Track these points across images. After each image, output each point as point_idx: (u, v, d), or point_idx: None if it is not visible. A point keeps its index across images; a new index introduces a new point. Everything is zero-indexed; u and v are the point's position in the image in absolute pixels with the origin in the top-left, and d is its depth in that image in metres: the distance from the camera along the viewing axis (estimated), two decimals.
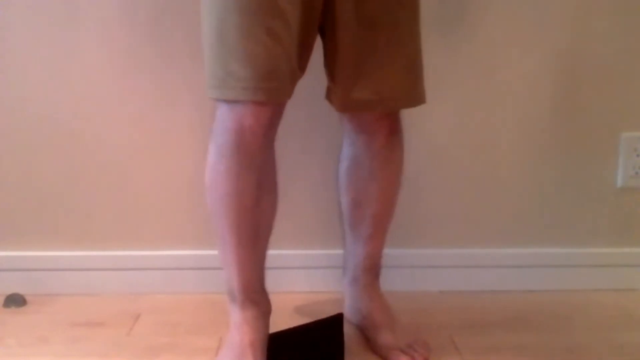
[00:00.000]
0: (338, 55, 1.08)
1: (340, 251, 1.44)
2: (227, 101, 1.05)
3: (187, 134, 1.48)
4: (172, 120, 1.49)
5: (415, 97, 1.14)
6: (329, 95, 1.15)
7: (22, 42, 1.45)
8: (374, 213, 1.25)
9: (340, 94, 1.10)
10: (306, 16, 1.03)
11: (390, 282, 1.46)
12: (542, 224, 1.56)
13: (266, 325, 1.18)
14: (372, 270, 1.31)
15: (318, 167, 1.51)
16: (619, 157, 1.53)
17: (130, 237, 1.54)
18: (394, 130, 1.19)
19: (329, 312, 1.25)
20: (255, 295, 1.17)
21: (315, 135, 1.50)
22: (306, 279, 1.54)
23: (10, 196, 1.52)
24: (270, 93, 1.02)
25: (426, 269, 1.56)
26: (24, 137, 1.49)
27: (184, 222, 1.52)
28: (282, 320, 1.24)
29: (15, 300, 1.48)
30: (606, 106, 1.51)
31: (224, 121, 1.07)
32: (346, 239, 1.33)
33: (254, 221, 1.12)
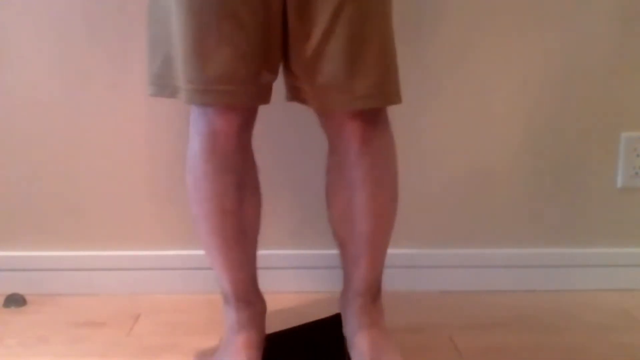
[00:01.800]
0: (296, 50, 1.01)
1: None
2: (198, 105, 1.03)
3: (187, 133, 1.48)
4: (173, 120, 1.49)
5: (389, 94, 1.03)
6: (295, 95, 1.06)
7: (19, 42, 1.45)
8: (363, 230, 1.10)
9: (311, 93, 1.03)
10: (266, 16, 0.99)
11: (391, 282, 1.46)
12: (542, 224, 1.56)
13: (261, 325, 1.18)
14: (366, 294, 1.16)
15: (316, 166, 1.51)
16: (619, 157, 1.53)
17: (130, 237, 1.54)
18: (371, 134, 1.05)
19: (327, 312, 1.25)
20: (247, 295, 1.16)
21: (310, 134, 1.49)
22: (305, 279, 1.54)
23: (10, 196, 1.52)
24: (221, 96, 0.99)
25: (426, 269, 1.56)
26: (24, 138, 1.49)
27: (184, 222, 1.52)
28: (280, 320, 1.25)
29: (15, 300, 1.48)
30: (606, 106, 1.51)
31: (197, 125, 1.06)
32: (339, 257, 1.21)
33: (238, 223, 1.10)
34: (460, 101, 1.50)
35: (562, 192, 1.55)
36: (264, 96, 1.04)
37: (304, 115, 1.42)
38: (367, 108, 1.03)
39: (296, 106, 1.09)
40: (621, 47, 1.49)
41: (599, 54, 1.49)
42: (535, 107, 1.51)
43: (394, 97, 1.03)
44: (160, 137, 1.50)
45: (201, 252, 1.51)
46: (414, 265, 1.55)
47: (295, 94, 1.06)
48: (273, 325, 1.21)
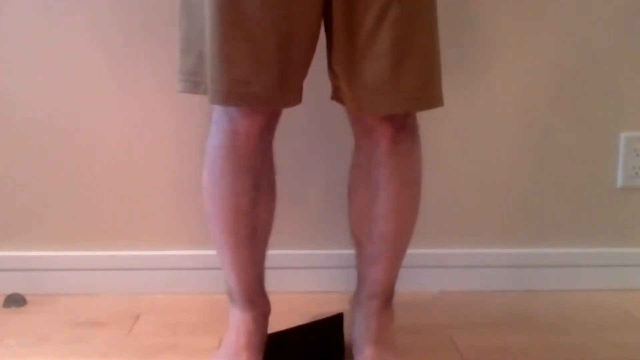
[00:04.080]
0: (338, 50, 1.00)
1: (341, 251, 1.44)
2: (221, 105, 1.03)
3: (188, 133, 1.48)
4: (172, 120, 1.49)
5: (432, 97, 1.02)
6: (337, 95, 1.06)
7: (19, 42, 1.45)
8: (382, 231, 1.10)
9: (349, 94, 1.02)
10: (302, 20, 0.97)
11: None
12: (542, 224, 1.56)
13: (264, 326, 1.18)
14: (379, 297, 1.16)
15: (321, 167, 1.51)
16: (619, 157, 1.53)
17: (130, 237, 1.54)
18: (401, 135, 1.05)
19: (329, 312, 1.25)
20: (254, 296, 1.16)
21: (319, 135, 1.50)
22: (307, 279, 1.54)
23: (11, 196, 1.52)
24: (244, 99, 0.98)
25: (426, 269, 1.56)
26: (24, 138, 1.49)
27: (184, 222, 1.52)
28: (282, 320, 1.24)
29: (15, 300, 1.48)
30: (606, 106, 1.51)
31: (219, 123, 1.06)
32: (355, 257, 1.20)
33: (250, 223, 1.10)
34: (460, 100, 1.50)
35: (562, 192, 1.55)
36: (291, 99, 1.03)
37: (321, 117, 1.43)
38: (411, 111, 1.04)
39: (311, 109, 1.09)
40: (621, 47, 1.49)
41: (599, 54, 1.49)
42: (535, 107, 1.51)
43: (436, 100, 1.03)
44: (160, 139, 1.50)
45: (201, 252, 1.52)
46: (414, 265, 1.55)
47: (336, 93, 1.06)
48: (274, 325, 1.20)
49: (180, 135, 1.49)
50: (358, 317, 1.18)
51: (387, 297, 1.18)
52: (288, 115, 1.12)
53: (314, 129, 1.49)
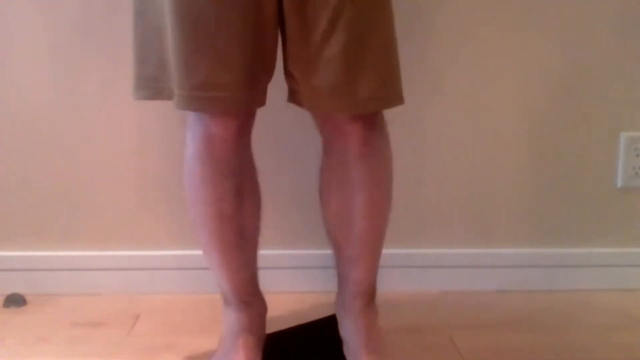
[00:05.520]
0: (293, 52, 0.99)
1: None
2: (188, 110, 1.02)
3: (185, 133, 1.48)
4: (172, 120, 1.49)
5: (391, 96, 1.01)
6: (294, 98, 1.04)
7: (19, 41, 1.45)
8: (359, 231, 1.09)
9: (306, 95, 1.01)
10: (258, 22, 0.96)
11: (391, 282, 1.46)
12: (542, 224, 1.56)
13: (262, 326, 1.17)
14: (362, 296, 1.14)
15: (313, 166, 1.50)
16: (619, 157, 1.53)
17: (130, 237, 1.54)
18: (371, 134, 1.03)
19: (324, 312, 1.25)
20: (248, 297, 1.15)
21: (312, 134, 1.50)
22: (303, 279, 1.54)
23: (10, 196, 1.52)
24: (208, 103, 0.97)
25: (426, 269, 1.56)
26: (24, 138, 1.49)
27: (184, 222, 1.52)
28: (278, 320, 1.25)
29: (15, 300, 1.49)
30: (606, 106, 1.51)
31: (194, 130, 1.04)
32: (334, 259, 1.18)
33: (236, 228, 1.08)
34: (460, 99, 1.50)
35: (562, 192, 1.55)
36: (256, 100, 1.02)
37: (300, 117, 1.42)
38: (368, 111, 1.02)
39: (293, 107, 1.09)
40: (621, 47, 1.49)
41: (599, 54, 1.49)
42: (535, 106, 1.51)
43: (395, 99, 1.02)
44: (159, 138, 1.50)
45: (201, 252, 1.51)
46: (414, 265, 1.55)
47: (292, 95, 1.05)
48: (271, 325, 1.20)
49: (178, 136, 1.49)
50: (345, 317, 1.17)
51: (370, 295, 1.17)
52: (275, 116, 1.11)
53: (301, 128, 1.48)
